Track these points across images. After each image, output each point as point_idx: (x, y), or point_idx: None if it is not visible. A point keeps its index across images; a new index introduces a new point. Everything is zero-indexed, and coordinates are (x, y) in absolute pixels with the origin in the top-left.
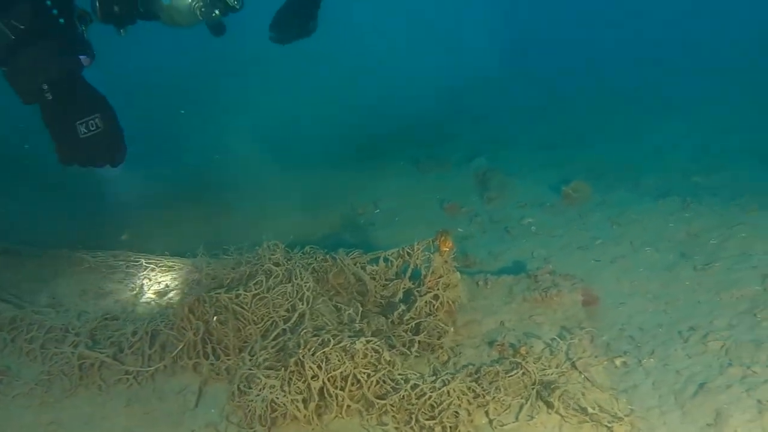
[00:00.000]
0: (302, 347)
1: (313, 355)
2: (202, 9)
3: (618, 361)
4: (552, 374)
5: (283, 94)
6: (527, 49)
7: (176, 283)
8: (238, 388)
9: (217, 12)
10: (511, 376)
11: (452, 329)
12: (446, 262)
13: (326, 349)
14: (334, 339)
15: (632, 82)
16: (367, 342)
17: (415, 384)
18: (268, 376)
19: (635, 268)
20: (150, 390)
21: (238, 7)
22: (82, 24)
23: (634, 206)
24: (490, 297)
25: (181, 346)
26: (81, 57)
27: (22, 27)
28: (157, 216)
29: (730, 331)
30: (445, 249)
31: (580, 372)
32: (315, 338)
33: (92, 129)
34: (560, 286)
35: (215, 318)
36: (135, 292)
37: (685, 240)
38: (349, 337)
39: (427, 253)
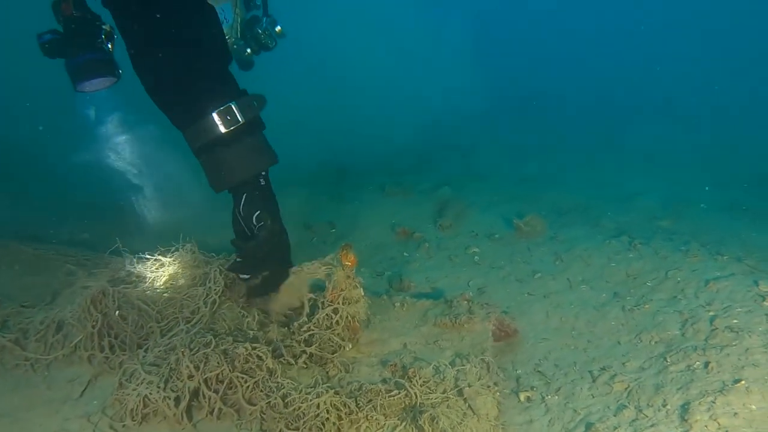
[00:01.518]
0: (184, 346)
1: (193, 355)
2: (234, 46)
3: (523, 396)
4: (435, 399)
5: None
6: (513, 88)
7: (103, 277)
8: (120, 382)
9: (249, 51)
10: (392, 396)
11: (350, 345)
12: (348, 277)
13: (207, 351)
14: (217, 341)
15: (613, 128)
16: (253, 348)
17: (286, 393)
18: (149, 372)
19: (567, 305)
20: (42, 377)
21: (271, 46)
22: (108, 42)
23: (583, 244)
24: (403, 319)
25: (80, 338)
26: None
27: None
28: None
29: (638, 373)
30: (347, 263)
31: (464, 400)
32: (201, 339)
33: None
34: (474, 313)
35: (117, 312)
36: (63, 283)
37: (623, 280)
38: (237, 341)
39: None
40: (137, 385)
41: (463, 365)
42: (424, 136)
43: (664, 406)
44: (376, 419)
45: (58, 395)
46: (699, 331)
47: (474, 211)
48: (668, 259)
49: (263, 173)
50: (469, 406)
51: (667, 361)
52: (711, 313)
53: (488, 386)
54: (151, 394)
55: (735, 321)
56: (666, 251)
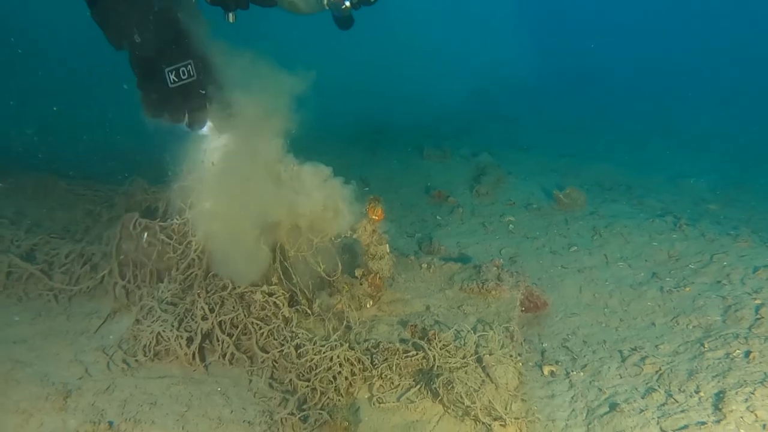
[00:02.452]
0: (201, 288)
1: (209, 297)
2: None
3: (547, 370)
4: (453, 364)
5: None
6: (564, 64)
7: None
8: (137, 318)
9: (347, 4)
10: (409, 357)
11: (371, 302)
12: (374, 231)
13: (224, 294)
14: (233, 285)
15: (664, 111)
16: (270, 294)
17: (300, 344)
18: (165, 311)
19: (601, 281)
20: (63, 308)
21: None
22: None
23: (624, 220)
24: (428, 281)
25: (107, 269)
26: None
27: None
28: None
29: (671, 357)
30: (374, 217)
31: (483, 368)
32: (219, 282)
33: (183, 77)
34: (503, 281)
35: (145, 239)
36: (92, 219)
37: (664, 260)
38: (255, 286)
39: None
40: (152, 322)
41: (486, 332)
42: (469, 104)
43: (697, 392)
44: (390, 378)
45: (76, 327)
46: (742, 319)
47: (513, 180)
48: (715, 242)
49: None
50: (488, 374)
51: (704, 347)
52: (758, 302)
53: (510, 356)
54: (164, 332)
55: None
56: (713, 234)
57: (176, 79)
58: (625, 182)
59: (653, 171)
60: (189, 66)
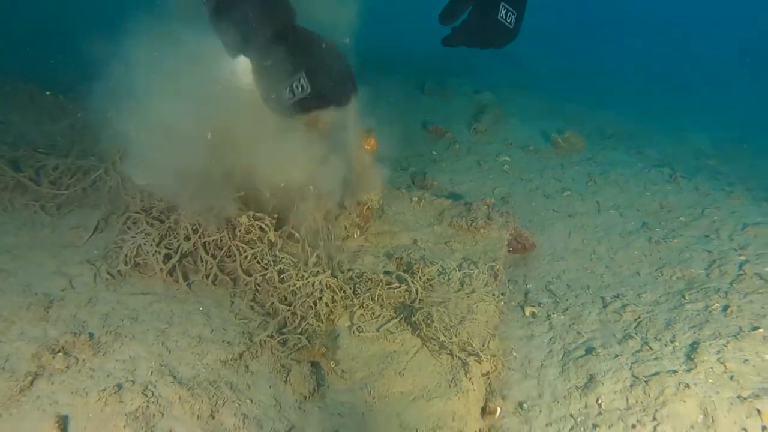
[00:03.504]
0: (185, 208)
1: (194, 217)
2: None
3: (528, 311)
4: (435, 298)
5: None
6: (576, 10)
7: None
8: (121, 228)
9: None
10: (392, 288)
11: (358, 233)
12: (367, 161)
13: (209, 215)
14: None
15: (678, 67)
16: (255, 218)
17: (284, 269)
18: (151, 224)
19: (591, 227)
20: (49, 220)
21: None
22: None
23: (620, 169)
24: (418, 215)
25: (100, 170)
26: None
27: None
28: None
29: (652, 306)
30: (367, 147)
31: (466, 304)
32: (205, 203)
33: (297, 92)
34: (492, 219)
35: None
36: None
37: (655, 211)
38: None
39: None
40: (136, 234)
41: (471, 270)
42: None
43: (672, 342)
44: (371, 309)
45: (62, 239)
46: (725, 274)
47: (513, 120)
48: (708, 196)
49: None
50: (470, 310)
51: (684, 299)
52: (742, 258)
53: (493, 294)
54: (144, 245)
55: (767, 269)
56: (707, 188)
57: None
58: (627, 131)
59: (656, 122)
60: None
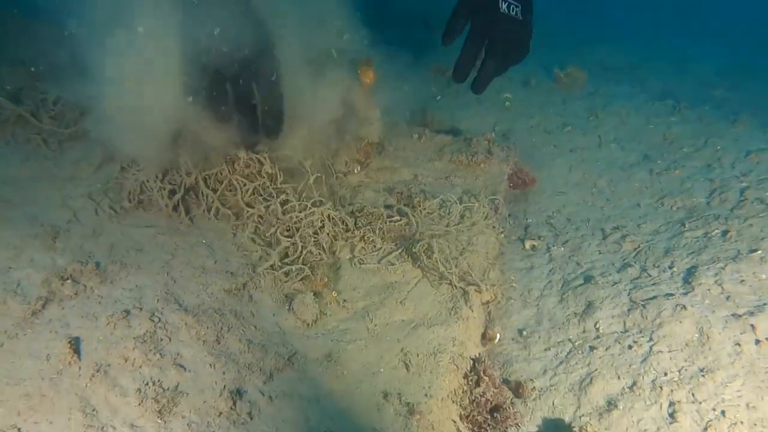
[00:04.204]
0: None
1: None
2: None
3: (528, 244)
4: (436, 231)
5: None
6: None
7: None
8: (122, 167)
9: None
10: (392, 222)
11: (359, 168)
12: (365, 95)
13: (207, 150)
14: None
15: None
16: (254, 152)
17: (286, 200)
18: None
19: (592, 161)
20: (52, 154)
21: None
22: None
23: (622, 102)
24: (418, 151)
25: None
26: None
27: None
28: None
29: (651, 236)
30: (365, 80)
31: (467, 236)
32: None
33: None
34: (493, 154)
35: None
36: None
37: (658, 143)
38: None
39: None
40: (137, 171)
41: (471, 203)
42: None
43: (671, 268)
44: (372, 241)
45: (65, 173)
46: (726, 201)
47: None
48: (712, 126)
49: None
50: (470, 242)
51: (684, 227)
52: (744, 184)
53: (493, 227)
54: (148, 182)
55: None
56: (711, 118)
57: None
58: (631, 63)
59: (660, 53)
60: None
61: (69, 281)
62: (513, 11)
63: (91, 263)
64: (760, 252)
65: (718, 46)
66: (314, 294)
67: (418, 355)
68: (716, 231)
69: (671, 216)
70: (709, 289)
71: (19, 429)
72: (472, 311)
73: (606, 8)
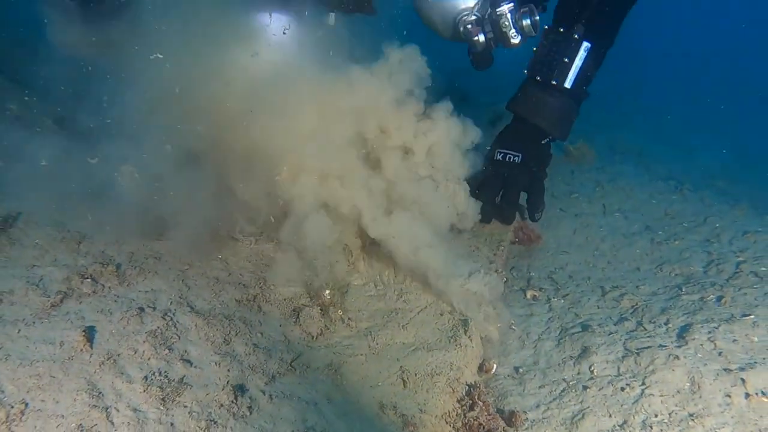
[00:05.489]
0: None
1: None
2: (468, 27)
3: (530, 294)
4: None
5: None
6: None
7: None
8: None
9: (480, 38)
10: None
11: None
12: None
13: None
14: None
15: (693, 91)
16: None
17: None
18: None
19: (596, 227)
20: None
21: (515, 41)
22: None
23: (628, 178)
24: None
25: None
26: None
27: None
28: None
29: (649, 296)
30: None
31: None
32: None
33: None
34: None
35: None
36: None
37: (660, 217)
38: None
39: None
40: None
41: (477, 250)
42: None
43: (666, 324)
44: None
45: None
46: (722, 272)
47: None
48: (712, 207)
49: None
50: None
51: (681, 291)
52: (740, 259)
53: (496, 271)
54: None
55: (763, 269)
56: (712, 201)
57: None
58: (638, 148)
59: (666, 142)
60: None
61: (89, 280)
62: (509, 159)
63: (111, 266)
64: (752, 317)
65: (724, 140)
66: (321, 309)
67: (415, 374)
68: (711, 296)
69: (669, 281)
70: (702, 345)
71: (26, 404)
72: (471, 341)
73: (620, 97)
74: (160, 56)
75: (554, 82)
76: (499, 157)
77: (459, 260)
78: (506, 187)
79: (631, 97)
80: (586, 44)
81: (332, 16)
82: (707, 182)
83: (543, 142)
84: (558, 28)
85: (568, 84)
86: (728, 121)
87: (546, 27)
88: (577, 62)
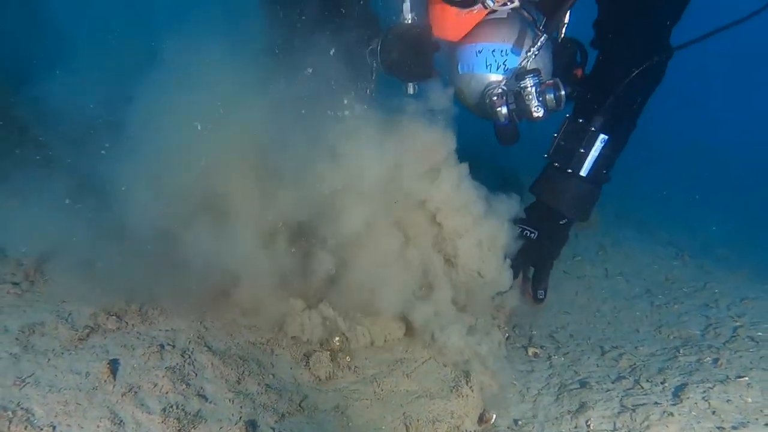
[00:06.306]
0: None
1: None
2: (494, 99)
3: (531, 351)
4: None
5: None
6: None
7: None
8: None
9: (504, 111)
10: None
11: None
12: None
13: None
14: None
15: (696, 160)
16: None
17: None
18: None
19: (598, 289)
20: None
21: (538, 114)
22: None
23: (631, 243)
24: None
25: None
26: None
27: None
28: None
29: (647, 357)
30: None
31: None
32: None
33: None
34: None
35: None
36: None
37: (660, 282)
38: None
39: None
40: None
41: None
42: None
43: (662, 383)
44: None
45: None
46: (719, 335)
47: (530, 196)
48: (712, 274)
49: None
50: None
51: (679, 353)
52: (737, 323)
53: (498, 326)
54: None
55: (759, 333)
56: (711, 267)
57: None
58: (641, 217)
59: (670, 212)
60: None
61: (114, 317)
62: (526, 234)
63: (135, 305)
64: (747, 378)
65: (728, 212)
66: (330, 355)
67: (418, 420)
68: (708, 358)
69: (668, 343)
70: (696, 403)
71: (54, 427)
72: (472, 392)
73: (629, 170)
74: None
75: (570, 171)
76: (518, 231)
77: (462, 315)
78: (516, 257)
79: (639, 171)
80: (603, 136)
81: (411, 86)
82: (707, 250)
83: (561, 222)
84: (577, 118)
85: (584, 173)
86: (732, 192)
87: (567, 116)
88: (593, 153)
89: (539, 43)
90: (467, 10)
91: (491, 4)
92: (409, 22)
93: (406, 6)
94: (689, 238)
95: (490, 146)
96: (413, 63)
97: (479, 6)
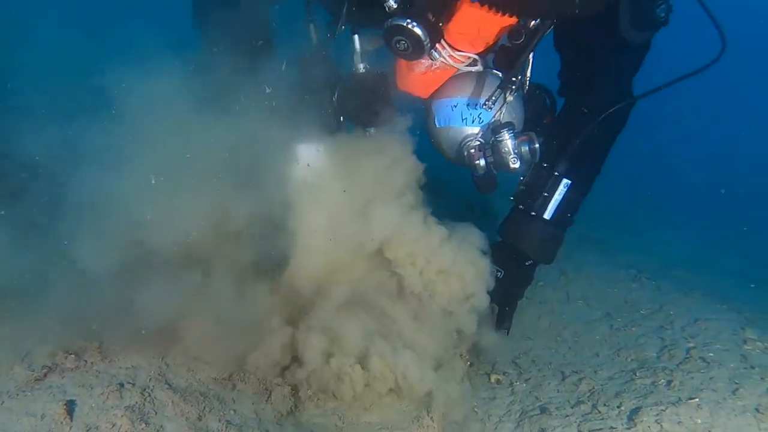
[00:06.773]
0: None
1: None
2: (471, 152)
3: (493, 378)
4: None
5: None
6: None
7: None
8: None
9: (482, 162)
10: None
11: None
12: None
13: None
14: None
15: (658, 186)
16: None
17: None
18: None
19: (559, 313)
20: None
21: (515, 166)
22: None
23: (591, 267)
24: None
25: None
26: None
27: None
28: None
29: (605, 381)
30: None
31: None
32: None
33: None
34: None
35: None
36: None
37: (619, 305)
38: None
39: None
40: None
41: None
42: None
43: (619, 407)
44: None
45: None
46: (674, 357)
47: (493, 219)
48: (668, 295)
49: None
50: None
51: (635, 376)
52: (690, 345)
53: (461, 355)
54: None
55: (711, 354)
56: (668, 289)
57: None
58: (602, 239)
59: (630, 235)
60: None
61: (72, 356)
62: (494, 273)
63: (95, 342)
64: (697, 400)
65: (685, 234)
66: (291, 389)
67: None
68: (662, 381)
69: (625, 366)
70: (649, 426)
71: None
72: (433, 422)
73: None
74: None
75: (533, 213)
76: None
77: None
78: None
79: (601, 195)
80: (566, 181)
81: (371, 131)
82: (664, 271)
83: (527, 264)
84: (542, 162)
85: (547, 216)
86: (691, 215)
87: None
88: (557, 197)
89: (510, 97)
90: (415, 62)
91: (437, 56)
92: (362, 71)
93: (356, 57)
94: (647, 258)
95: (454, 172)
96: (370, 110)
97: (427, 59)
